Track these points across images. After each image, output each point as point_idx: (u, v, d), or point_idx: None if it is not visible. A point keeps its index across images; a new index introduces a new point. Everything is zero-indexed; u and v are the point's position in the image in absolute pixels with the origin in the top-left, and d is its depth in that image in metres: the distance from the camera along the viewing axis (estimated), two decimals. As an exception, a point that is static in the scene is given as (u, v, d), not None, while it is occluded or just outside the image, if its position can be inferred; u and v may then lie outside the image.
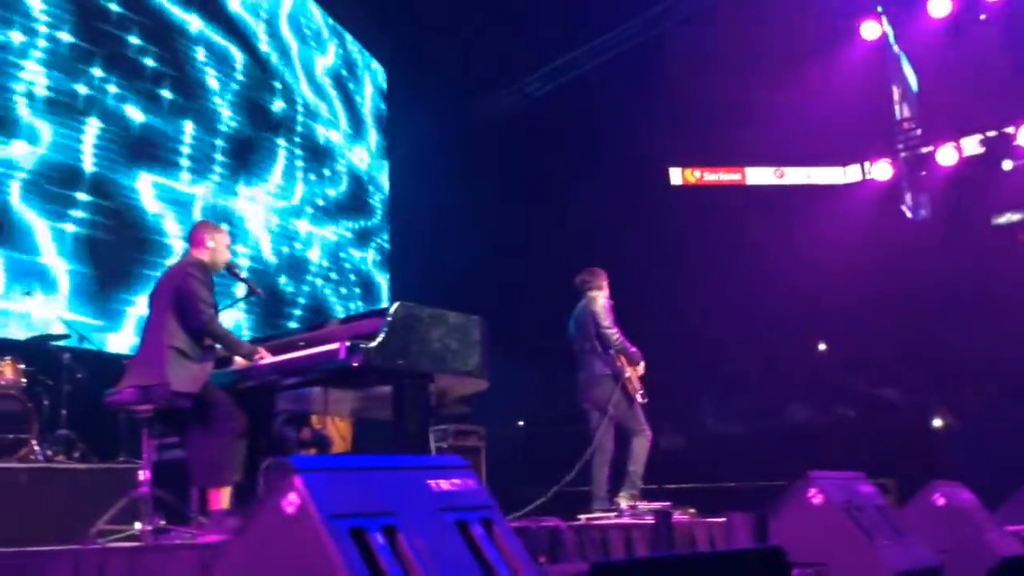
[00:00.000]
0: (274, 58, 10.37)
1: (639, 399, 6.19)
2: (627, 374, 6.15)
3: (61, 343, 6.67)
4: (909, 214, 11.74)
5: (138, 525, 4.25)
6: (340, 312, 10.77)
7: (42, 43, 7.66)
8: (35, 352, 6.42)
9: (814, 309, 11.13)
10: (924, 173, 11.64)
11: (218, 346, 4.56)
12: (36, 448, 5.81)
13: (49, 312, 7.26)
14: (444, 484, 2.38)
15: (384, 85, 12.95)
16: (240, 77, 9.75)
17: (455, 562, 2.21)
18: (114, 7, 8.33)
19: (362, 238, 11.80)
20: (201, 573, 3.14)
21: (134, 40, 8.48)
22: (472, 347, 4.55)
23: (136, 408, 4.39)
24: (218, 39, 9.48)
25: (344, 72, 11.87)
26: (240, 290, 5.22)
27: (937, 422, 11.22)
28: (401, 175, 12.66)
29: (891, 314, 10.48)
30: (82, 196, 7.81)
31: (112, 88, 8.17)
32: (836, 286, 10.66)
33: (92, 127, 7.96)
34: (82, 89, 7.92)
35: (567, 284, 6.59)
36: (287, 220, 10.23)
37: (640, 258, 10.77)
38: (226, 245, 4.77)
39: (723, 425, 12.19)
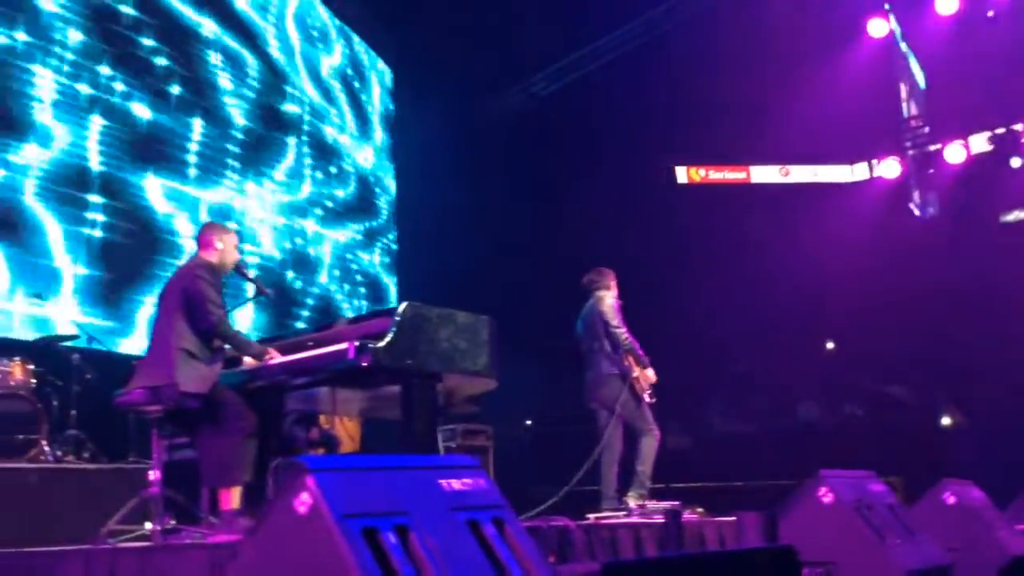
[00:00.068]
0: (280, 57, 10.38)
1: (647, 399, 6.19)
2: (635, 374, 6.15)
3: (70, 344, 6.69)
4: (917, 212, 11.71)
5: (149, 525, 4.26)
6: (348, 312, 10.79)
7: (54, 45, 7.69)
8: (44, 353, 6.44)
9: (822, 308, 11.11)
10: (932, 171, 11.61)
11: (228, 347, 4.57)
12: (46, 448, 5.82)
13: (60, 314, 7.28)
14: (456, 484, 2.38)
15: (390, 85, 12.97)
16: (248, 75, 9.77)
17: (467, 562, 2.21)
18: (126, 9, 8.37)
19: (369, 239, 11.82)
20: (212, 573, 3.14)
21: (146, 41, 8.52)
22: (481, 347, 4.55)
23: (145, 409, 4.41)
24: (227, 39, 9.50)
25: (351, 72, 11.89)
26: (249, 290, 5.23)
27: (945, 420, 11.19)
28: (407, 175, 12.67)
29: (899, 312, 10.45)
30: (94, 198, 7.84)
31: (119, 86, 8.19)
32: (844, 284, 10.64)
33: (100, 127, 7.98)
34: (89, 89, 7.94)
35: (574, 283, 6.59)
36: (295, 216, 10.25)
37: (645, 257, 10.76)
38: (234, 246, 4.78)
39: (730, 424, 12.18)
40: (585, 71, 12.59)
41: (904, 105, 11.86)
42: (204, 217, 8.68)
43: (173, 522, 4.32)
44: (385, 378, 4.38)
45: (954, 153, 11.19)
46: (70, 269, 7.55)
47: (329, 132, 11.18)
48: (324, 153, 11.02)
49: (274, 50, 10.29)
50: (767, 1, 10.99)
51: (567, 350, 6.74)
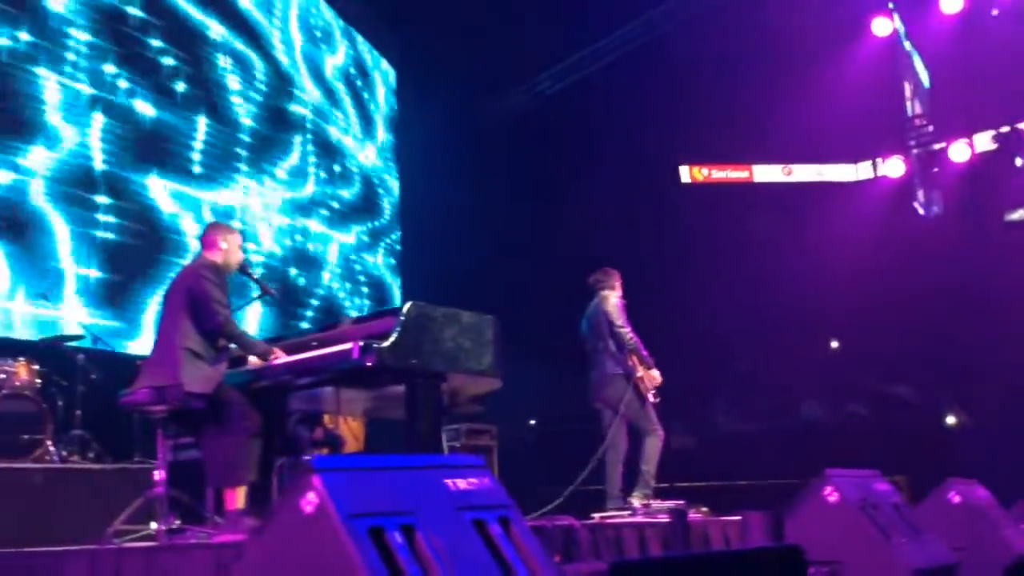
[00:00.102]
0: (284, 60, 10.39)
1: (651, 398, 6.18)
2: (639, 373, 6.14)
3: (75, 344, 6.69)
4: (921, 211, 11.68)
5: (154, 525, 4.26)
6: (352, 312, 10.79)
7: (62, 46, 7.71)
8: (49, 353, 6.45)
9: (826, 307, 11.09)
10: (936, 170, 11.57)
11: (233, 346, 4.58)
12: (51, 448, 5.84)
13: (67, 315, 7.29)
14: (461, 483, 2.38)
15: (394, 85, 12.97)
16: (254, 75, 9.78)
17: (473, 561, 2.21)
18: (133, 10, 8.39)
19: (373, 239, 11.82)
20: (217, 572, 3.14)
21: (154, 42, 8.54)
22: (485, 346, 4.55)
23: (150, 409, 4.41)
24: (233, 39, 9.51)
25: (354, 71, 11.89)
26: (254, 290, 5.24)
27: (950, 419, 11.17)
28: (411, 175, 12.67)
29: (903, 311, 10.43)
30: (101, 199, 7.85)
31: (123, 83, 8.20)
32: (848, 283, 10.62)
33: (106, 126, 8.00)
34: (95, 90, 7.95)
35: (577, 283, 6.59)
36: (298, 214, 10.26)
37: (649, 257, 10.76)
38: (239, 246, 4.79)
39: (734, 424, 12.16)
40: (588, 70, 12.57)
41: (908, 104, 11.84)
42: (208, 216, 8.69)
43: (178, 522, 4.32)
44: (389, 378, 4.38)
45: (958, 152, 11.17)
46: (77, 270, 7.57)
47: (333, 132, 11.18)
48: (328, 152, 11.03)
49: (279, 50, 10.30)
50: (770, 0, 10.98)
51: (571, 350, 6.74)
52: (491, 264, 11.40)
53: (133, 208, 8.14)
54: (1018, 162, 10.67)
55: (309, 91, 10.77)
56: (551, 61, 12.73)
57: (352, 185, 11.47)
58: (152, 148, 8.41)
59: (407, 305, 4.33)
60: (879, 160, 11.99)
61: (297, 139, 10.44)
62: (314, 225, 10.53)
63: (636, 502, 5.96)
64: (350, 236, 11.25)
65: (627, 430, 6.21)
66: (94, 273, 7.70)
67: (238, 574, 2.25)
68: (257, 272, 7.50)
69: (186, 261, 7.43)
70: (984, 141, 11.04)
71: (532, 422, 11.70)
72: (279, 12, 10.45)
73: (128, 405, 4.48)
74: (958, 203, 11.38)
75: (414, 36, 12.46)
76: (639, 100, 11.82)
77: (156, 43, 8.56)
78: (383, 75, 12.73)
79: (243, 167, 9.45)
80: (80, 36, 7.88)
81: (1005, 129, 10.77)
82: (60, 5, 7.74)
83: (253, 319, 9.08)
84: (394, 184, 12.63)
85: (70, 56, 7.77)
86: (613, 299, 6.30)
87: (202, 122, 8.98)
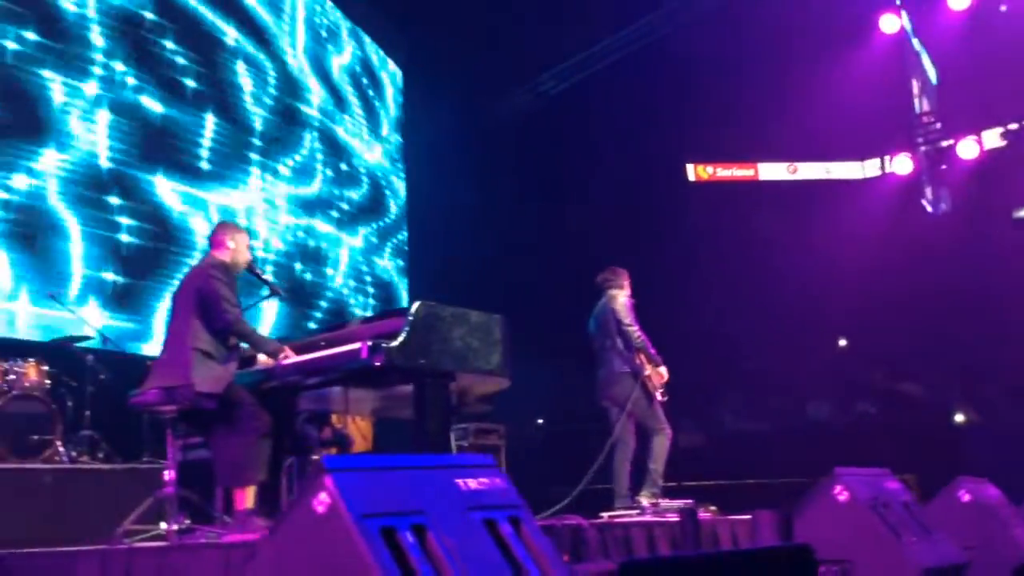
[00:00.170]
0: (293, 63, 10.41)
1: (659, 397, 6.18)
2: (647, 372, 6.14)
3: (84, 344, 6.71)
4: (929, 208, 11.64)
5: (163, 525, 4.28)
6: (360, 312, 10.81)
7: (74, 49, 7.74)
8: (59, 354, 6.47)
9: (833, 305, 11.07)
10: (944, 167, 11.53)
11: (244, 344, 4.59)
12: (60, 449, 5.85)
13: (79, 316, 7.31)
14: (472, 483, 2.38)
15: (401, 86, 12.98)
16: (263, 75, 9.80)
17: (484, 561, 2.22)
18: (148, 14, 8.42)
19: (380, 239, 11.84)
20: (226, 572, 3.15)
21: (167, 43, 8.58)
22: (494, 346, 4.54)
23: (160, 409, 4.42)
24: (242, 40, 9.54)
25: (360, 71, 11.90)
26: (263, 290, 5.25)
27: (959, 417, 11.14)
28: (418, 175, 12.68)
29: (912, 309, 10.41)
30: (113, 200, 7.87)
31: (131, 80, 8.22)
32: (855, 281, 10.60)
33: (114, 126, 8.02)
34: (104, 91, 7.97)
35: (585, 282, 6.58)
36: (304, 211, 10.28)
37: (655, 255, 10.75)
38: (247, 245, 4.80)
39: (742, 422, 12.16)
40: (593, 70, 12.57)
41: (916, 101, 11.80)
42: (216, 216, 8.71)
43: (188, 522, 4.33)
44: (398, 378, 4.38)
45: (967, 149, 11.12)
46: (89, 272, 7.59)
47: (340, 132, 11.20)
48: (336, 151, 11.05)
49: (287, 50, 10.32)
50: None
51: (578, 348, 6.74)
52: (498, 263, 11.41)
53: (145, 209, 8.16)
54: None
55: (316, 91, 10.79)
56: (556, 61, 12.73)
57: (359, 185, 11.49)
58: (162, 147, 8.44)
59: (416, 305, 4.33)
60: (887, 158, 11.95)
61: (308, 137, 10.46)
62: (321, 225, 10.55)
63: (645, 501, 5.96)
64: (356, 239, 11.26)
65: (635, 429, 6.20)
66: (108, 276, 7.72)
67: (251, 574, 2.26)
68: (266, 272, 7.52)
69: (194, 261, 7.45)
70: (993, 138, 11.00)
71: (540, 421, 11.71)
72: (288, 13, 10.47)
73: (138, 406, 4.50)
74: (966, 201, 11.34)
75: (421, 37, 12.47)
76: (644, 99, 11.80)
77: (169, 44, 8.59)
78: (391, 76, 12.74)
79: (252, 166, 9.47)
80: (97, 41, 7.91)
81: (1014, 126, 10.73)
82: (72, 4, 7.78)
83: (267, 320, 9.10)
84: (401, 185, 12.65)
85: (79, 56, 7.79)
86: (622, 298, 6.30)
87: (210, 121, 9.00)
